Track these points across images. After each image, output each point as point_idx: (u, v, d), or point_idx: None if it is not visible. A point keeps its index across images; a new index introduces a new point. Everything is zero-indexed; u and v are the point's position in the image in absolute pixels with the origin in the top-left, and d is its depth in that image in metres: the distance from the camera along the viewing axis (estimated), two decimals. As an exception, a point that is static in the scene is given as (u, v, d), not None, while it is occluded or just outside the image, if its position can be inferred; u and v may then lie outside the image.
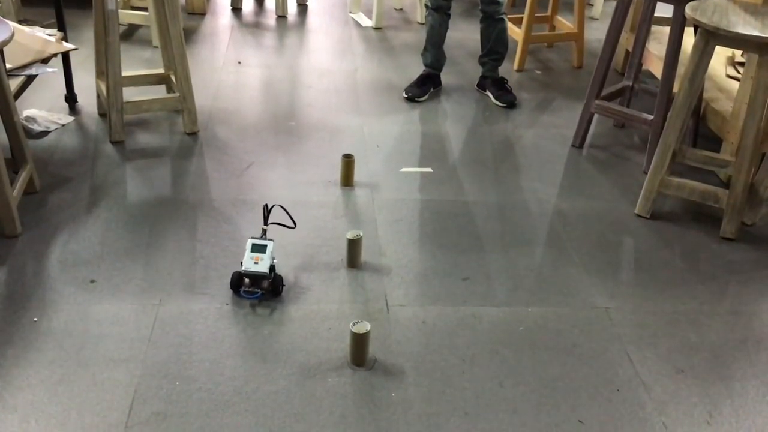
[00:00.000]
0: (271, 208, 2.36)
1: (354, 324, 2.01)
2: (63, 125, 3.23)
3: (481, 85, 3.89)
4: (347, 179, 2.92)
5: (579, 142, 3.36)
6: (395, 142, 3.31)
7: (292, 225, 2.41)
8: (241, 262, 2.25)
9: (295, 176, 2.97)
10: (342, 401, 1.91)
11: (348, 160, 2.91)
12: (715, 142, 3.16)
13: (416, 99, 3.72)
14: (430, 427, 1.85)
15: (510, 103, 3.74)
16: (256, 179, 2.93)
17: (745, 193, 2.68)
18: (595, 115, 3.36)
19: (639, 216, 2.84)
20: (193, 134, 3.23)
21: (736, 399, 2.00)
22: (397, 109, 3.65)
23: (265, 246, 2.27)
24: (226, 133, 3.28)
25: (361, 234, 2.43)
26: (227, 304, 2.23)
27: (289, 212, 2.44)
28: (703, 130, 3.28)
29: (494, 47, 3.77)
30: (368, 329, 2.00)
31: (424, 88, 3.77)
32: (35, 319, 2.12)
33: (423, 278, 2.39)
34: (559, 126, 3.55)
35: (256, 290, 2.24)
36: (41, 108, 3.34)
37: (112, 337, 2.07)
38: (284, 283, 2.29)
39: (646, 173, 2.88)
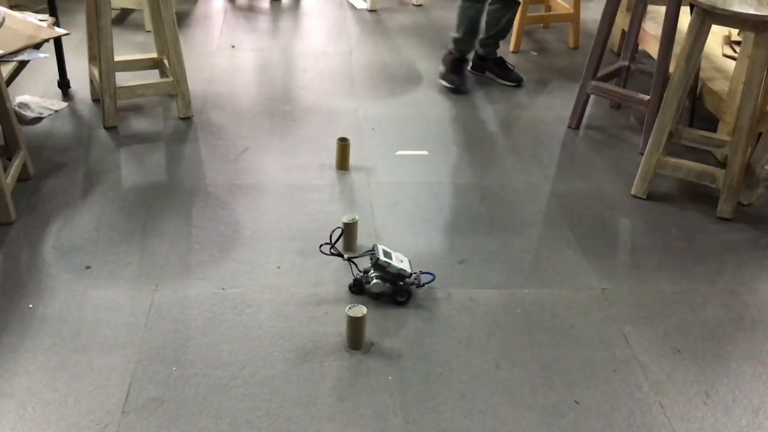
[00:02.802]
0: (339, 234, 2.32)
1: (350, 308, 2.01)
2: (56, 111, 3.21)
3: (480, 68, 3.84)
4: (343, 163, 2.91)
5: (575, 123, 3.35)
6: (391, 125, 3.29)
7: (345, 258, 2.29)
8: (376, 261, 2.17)
9: (290, 160, 2.96)
10: (339, 384, 1.91)
11: (343, 144, 2.89)
12: (711, 122, 3.15)
13: (460, 89, 3.62)
14: (427, 409, 1.85)
15: (518, 80, 3.72)
16: (251, 164, 2.92)
17: (742, 173, 2.68)
18: (592, 96, 3.34)
19: (635, 197, 2.83)
20: (187, 119, 3.22)
21: (732, 378, 2.00)
22: (393, 92, 3.63)
23: (389, 252, 2.22)
24: (220, 118, 3.26)
25: (357, 217, 2.42)
26: (223, 288, 2.22)
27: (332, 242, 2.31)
28: (699, 110, 3.27)
29: (502, 31, 3.69)
30: (365, 313, 2.00)
31: (463, 75, 3.68)
32: (31, 305, 2.11)
33: (419, 261, 2.38)
34: (556, 107, 3.54)
35: (431, 273, 2.25)
36: (34, 94, 3.31)
37: (108, 322, 2.07)
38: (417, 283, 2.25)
39: (643, 154, 2.87)
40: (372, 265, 2.19)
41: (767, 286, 2.39)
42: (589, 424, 1.83)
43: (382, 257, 2.16)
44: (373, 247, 2.22)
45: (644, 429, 1.82)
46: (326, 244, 2.27)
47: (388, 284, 2.19)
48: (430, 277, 2.25)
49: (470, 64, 3.83)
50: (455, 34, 3.67)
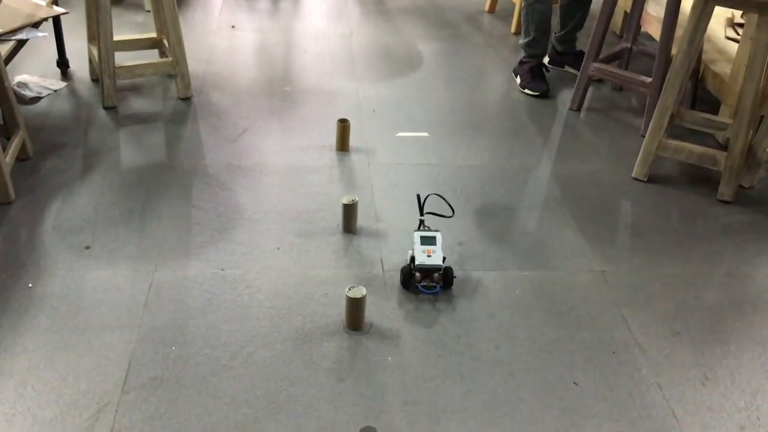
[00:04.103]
0: (426, 197, 2.30)
1: (350, 289, 2.00)
2: (55, 91, 3.20)
3: (558, 62, 3.71)
4: (343, 144, 2.90)
5: (577, 105, 3.33)
6: (391, 107, 3.28)
7: (451, 213, 2.31)
8: (412, 257, 2.16)
9: (290, 141, 2.95)
10: (338, 365, 1.91)
11: (343, 125, 2.88)
12: (713, 105, 3.14)
13: (548, 94, 3.45)
14: (426, 390, 1.85)
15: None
16: (250, 144, 2.91)
17: (743, 156, 2.67)
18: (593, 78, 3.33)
19: (636, 179, 2.82)
20: (186, 99, 3.20)
21: (731, 361, 2.01)
22: (393, 73, 3.62)
23: (434, 237, 2.19)
24: (220, 98, 3.24)
25: (357, 199, 2.42)
26: (222, 269, 2.22)
27: (427, 200, 2.31)
28: (701, 92, 3.25)
29: (579, 22, 3.58)
30: (364, 294, 2.00)
31: (545, 78, 3.51)
32: (30, 285, 2.11)
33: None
34: (557, 89, 3.52)
35: (433, 284, 2.14)
36: (33, 73, 3.30)
37: (107, 303, 2.07)
38: (455, 275, 2.19)
39: (644, 136, 2.86)
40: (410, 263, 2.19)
41: (766, 269, 2.38)
42: (587, 405, 1.84)
43: (417, 259, 2.14)
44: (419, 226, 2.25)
45: (643, 410, 1.83)
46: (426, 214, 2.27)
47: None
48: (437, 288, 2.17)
49: (547, 59, 3.69)
50: (524, 40, 3.53)
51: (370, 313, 2.07)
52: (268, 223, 2.44)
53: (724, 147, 2.90)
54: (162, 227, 2.39)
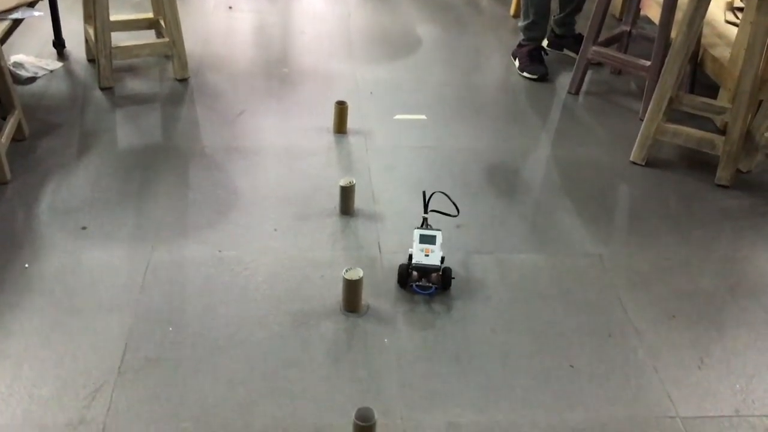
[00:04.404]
0: (431, 195, 2.25)
1: (347, 270, 2.00)
2: (51, 71, 3.18)
3: (557, 45, 3.68)
4: (340, 126, 2.89)
5: (575, 89, 3.32)
6: (389, 89, 3.26)
7: (456, 213, 2.27)
8: (410, 255, 2.10)
9: (287, 123, 2.94)
10: (335, 347, 1.91)
11: (341, 107, 2.87)
12: (712, 90, 3.13)
13: (547, 77, 3.43)
14: (422, 372, 1.86)
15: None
16: (248, 126, 2.90)
17: (742, 140, 2.66)
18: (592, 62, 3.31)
19: (634, 163, 2.82)
20: (183, 80, 3.18)
21: (727, 344, 2.01)
22: (391, 55, 3.60)
23: (434, 237, 2.12)
24: (217, 80, 3.23)
25: (354, 181, 2.41)
26: (220, 251, 2.22)
27: (441, 199, 2.28)
28: (700, 77, 3.24)
29: (579, 4, 3.57)
30: (361, 276, 2.00)
31: (544, 61, 3.48)
32: (26, 265, 2.11)
33: (416, 225, 2.38)
34: (556, 72, 3.50)
35: (429, 285, 2.07)
36: (29, 53, 3.28)
37: (104, 283, 2.07)
38: (454, 275, 2.13)
39: (642, 120, 2.85)
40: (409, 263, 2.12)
41: (764, 254, 2.39)
42: (583, 388, 1.84)
43: (414, 258, 2.08)
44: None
45: (638, 393, 1.84)
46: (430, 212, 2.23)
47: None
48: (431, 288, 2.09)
49: (546, 42, 3.65)
50: (523, 22, 3.50)
51: (367, 295, 2.07)
52: (266, 205, 2.44)
53: (722, 131, 2.89)
54: (159, 208, 2.38)
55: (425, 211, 2.23)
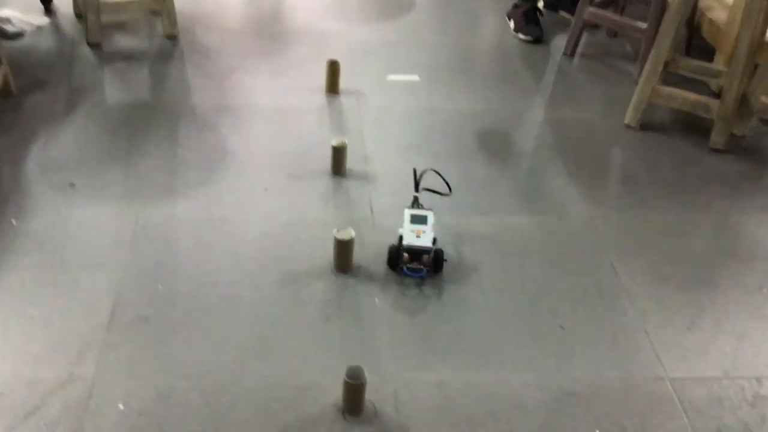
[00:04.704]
0: (423, 173, 2.15)
1: (338, 231, 1.99)
2: (38, 27, 3.12)
3: (552, 6, 3.62)
4: (332, 86, 2.85)
5: (570, 51, 3.29)
6: (382, 49, 3.22)
7: (448, 191, 2.18)
8: (400, 236, 2.00)
9: (279, 82, 2.90)
10: (326, 306, 1.91)
11: (333, 67, 2.83)
12: (708, 53, 3.10)
13: (542, 39, 3.37)
14: (413, 332, 1.85)
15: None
16: (238, 85, 2.86)
17: (737, 104, 2.65)
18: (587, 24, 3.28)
19: (628, 126, 2.80)
20: (172, 37, 3.13)
21: (718, 307, 2.01)
22: (385, 15, 3.55)
23: (426, 217, 2.02)
24: (207, 37, 3.18)
25: (347, 141, 2.38)
26: (210, 210, 2.20)
27: (429, 175, 2.17)
28: (696, 40, 3.21)
29: None
30: (352, 236, 1.98)
31: (538, 23, 3.41)
32: (14, 221, 2.08)
33: (408, 186, 2.36)
34: (551, 34, 3.47)
35: (420, 267, 1.98)
36: (16, 9, 3.21)
37: (92, 241, 2.05)
38: (446, 258, 2.03)
39: (637, 83, 2.83)
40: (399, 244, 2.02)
41: (756, 217, 2.38)
42: (574, 349, 1.84)
43: (405, 239, 1.98)
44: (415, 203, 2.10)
45: (628, 355, 1.84)
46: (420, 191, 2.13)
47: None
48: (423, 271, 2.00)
49: (542, 3, 3.58)
50: None
51: (358, 256, 2.06)
52: (257, 165, 2.41)
53: (717, 95, 2.87)
54: (148, 166, 2.35)
55: (416, 190, 2.14)
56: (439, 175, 2.20)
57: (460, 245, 2.15)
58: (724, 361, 1.84)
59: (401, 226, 2.02)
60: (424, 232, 2.00)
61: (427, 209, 2.07)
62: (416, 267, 1.98)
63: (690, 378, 1.79)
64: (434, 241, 2.01)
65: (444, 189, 2.19)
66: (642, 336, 1.90)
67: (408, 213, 2.04)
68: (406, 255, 1.98)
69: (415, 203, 2.12)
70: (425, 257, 1.98)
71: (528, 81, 3.07)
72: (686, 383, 1.77)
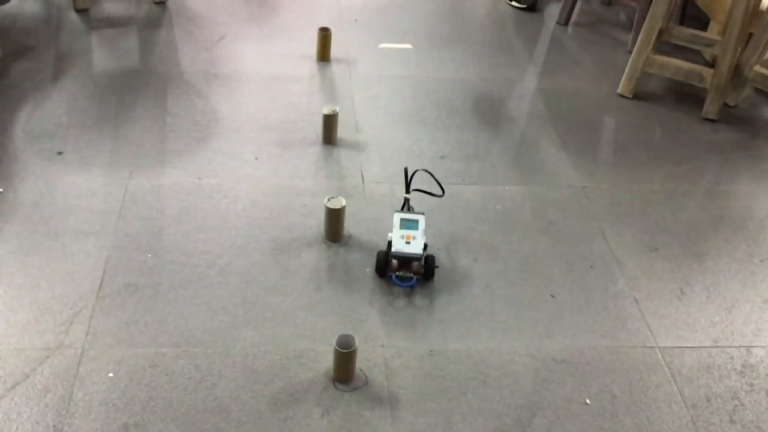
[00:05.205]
0: (414, 173, 2.02)
1: (329, 199, 1.97)
2: (24, -9, 3.07)
3: None
4: (323, 54, 2.82)
5: (564, 19, 3.26)
6: (374, 17, 3.18)
7: (440, 193, 2.04)
8: (389, 241, 1.89)
9: (269, 49, 2.86)
10: (316, 275, 1.90)
11: (324, 34, 2.80)
12: (702, 22, 3.08)
13: (536, 6, 3.35)
14: (404, 298, 1.85)
15: None
16: (228, 52, 2.82)
17: (730, 73, 2.63)
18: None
19: (621, 96, 2.79)
20: (161, 3, 3.09)
21: (708, 276, 2.02)
22: (377, -19, 3.50)
23: (416, 221, 1.89)
24: (195, 3, 3.13)
25: (338, 109, 2.36)
26: (199, 178, 2.18)
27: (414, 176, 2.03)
28: (690, 9, 3.19)
29: None
30: (343, 205, 1.97)
31: None
32: (1, 189, 2.06)
33: (399, 155, 2.35)
34: (545, 1, 3.43)
35: (409, 275, 1.86)
36: (0, -27, 3.16)
37: (81, 209, 2.03)
38: (437, 264, 1.93)
39: (631, 52, 2.80)
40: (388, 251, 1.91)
41: (747, 187, 2.38)
42: (564, 317, 1.84)
43: (394, 245, 1.86)
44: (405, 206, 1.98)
45: (618, 323, 1.84)
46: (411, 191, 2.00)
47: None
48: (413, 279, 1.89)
49: None
50: None
51: (349, 225, 2.05)
52: (246, 133, 2.39)
53: (710, 64, 2.85)
54: (136, 134, 2.33)
55: (407, 191, 1.99)
56: (431, 175, 2.07)
57: (452, 213, 2.14)
58: (714, 330, 1.85)
59: (390, 230, 1.92)
60: (414, 237, 1.87)
61: (419, 213, 1.94)
62: (405, 275, 1.87)
63: (679, 347, 1.80)
64: (425, 247, 1.88)
65: (437, 190, 2.06)
66: (632, 305, 1.90)
67: (398, 217, 1.91)
68: (395, 262, 1.87)
69: (406, 205, 1.99)
70: (415, 264, 1.87)
71: (521, 49, 3.05)
72: (675, 352, 1.78)
